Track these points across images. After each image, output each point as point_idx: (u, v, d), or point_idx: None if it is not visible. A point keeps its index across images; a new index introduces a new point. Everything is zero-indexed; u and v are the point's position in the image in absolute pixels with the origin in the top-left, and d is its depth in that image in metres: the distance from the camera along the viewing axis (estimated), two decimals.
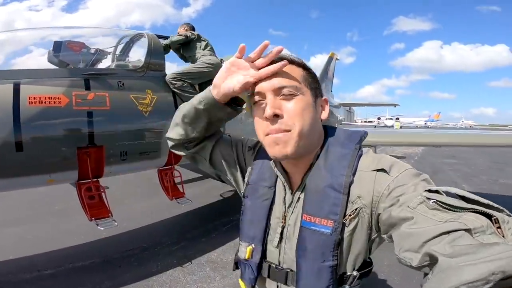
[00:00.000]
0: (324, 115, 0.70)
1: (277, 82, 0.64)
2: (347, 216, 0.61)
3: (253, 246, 0.72)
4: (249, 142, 0.85)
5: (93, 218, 2.31)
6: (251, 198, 0.76)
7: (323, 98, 0.71)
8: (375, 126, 38.57)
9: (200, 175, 6.05)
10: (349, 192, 0.62)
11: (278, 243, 0.70)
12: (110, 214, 2.39)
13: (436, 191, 0.48)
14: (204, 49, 3.06)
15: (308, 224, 0.63)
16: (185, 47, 3.18)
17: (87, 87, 2.19)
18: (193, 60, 3.08)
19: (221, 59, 3.71)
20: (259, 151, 0.81)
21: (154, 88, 2.68)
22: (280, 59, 0.65)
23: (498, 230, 0.38)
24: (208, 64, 2.95)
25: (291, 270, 0.68)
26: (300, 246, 0.65)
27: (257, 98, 0.67)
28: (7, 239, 3.15)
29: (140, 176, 5.44)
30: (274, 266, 0.71)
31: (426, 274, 0.42)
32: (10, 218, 3.73)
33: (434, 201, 0.46)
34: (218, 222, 3.80)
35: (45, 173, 2.04)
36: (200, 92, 2.78)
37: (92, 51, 2.54)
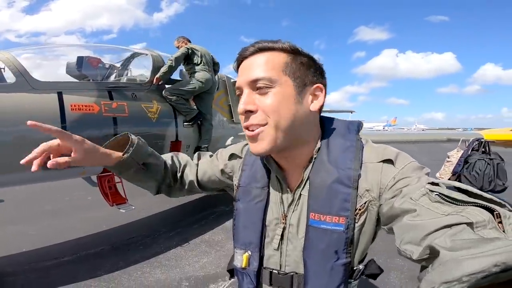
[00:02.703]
0: (315, 106, 0.61)
1: (250, 75, 0.58)
2: (357, 211, 0.59)
3: (249, 253, 0.68)
4: (231, 149, 0.82)
5: (114, 204, 2.79)
6: (243, 201, 0.71)
7: (316, 85, 0.61)
8: None
9: None
10: (357, 186, 0.59)
11: (278, 245, 0.66)
12: (126, 200, 2.89)
13: (439, 184, 0.48)
14: (199, 64, 3.56)
15: (316, 223, 0.60)
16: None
17: (111, 98, 2.71)
18: (189, 72, 3.60)
19: (226, 77, 4.31)
20: (247, 151, 0.77)
21: (158, 99, 3.26)
22: (260, 49, 0.59)
23: (499, 225, 0.37)
24: (199, 80, 3.52)
25: (296, 273, 0.64)
26: (309, 246, 0.61)
27: (238, 92, 0.62)
28: (13, 235, 3.37)
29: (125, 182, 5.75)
30: (276, 272, 0.66)
31: (424, 267, 0.41)
32: (7, 218, 3.87)
33: (437, 194, 0.45)
34: (205, 213, 4.40)
35: (80, 166, 2.50)
36: (193, 104, 3.52)
37: (107, 66, 3.03)
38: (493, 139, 4.34)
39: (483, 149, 3.71)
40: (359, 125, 0.67)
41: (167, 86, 3.41)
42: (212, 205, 4.78)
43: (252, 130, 0.59)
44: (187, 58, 3.55)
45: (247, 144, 0.78)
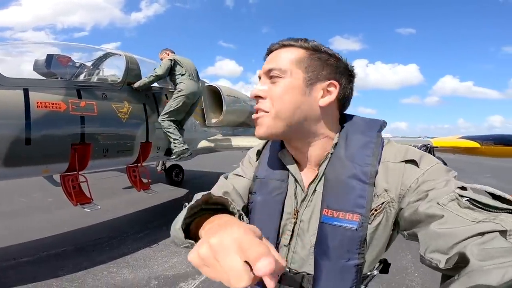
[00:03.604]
0: (324, 101, 0.61)
1: (267, 65, 0.63)
2: (372, 211, 0.56)
3: None
4: (256, 148, 0.80)
5: (78, 203, 2.75)
6: (262, 193, 0.68)
7: (330, 81, 0.62)
8: None
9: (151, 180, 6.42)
10: (374, 183, 0.56)
11: (289, 241, 0.64)
12: (91, 200, 2.86)
13: (469, 189, 0.45)
14: (183, 74, 3.60)
15: (329, 220, 0.57)
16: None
17: (79, 97, 2.70)
18: (174, 83, 3.65)
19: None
20: (267, 145, 0.77)
21: (130, 100, 3.28)
22: (282, 45, 0.64)
23: None
24: (184, 95, 3.54)
25: (308, 274, 0.61)
26: (320, 244, 0.58)
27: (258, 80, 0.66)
28: None
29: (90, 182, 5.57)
30: (287, 269, 0.63)
31: (447, 277, 0.39)
32: None
33: (467, 199, 0.43)
34: (175, 216, 4.33)
35: (43, 164, 2.46)
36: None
37: (77, 65, 3.01)
38: (442, 145, 4.86)
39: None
40: (382, 124, 0.65)
41: (161, 114, 3.51)
42: (181, 210, 4.79)
43: (257, 115, 0.63)
44: (171, 69, 3.61)
45: (267, 142, 0.78)
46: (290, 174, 0.68)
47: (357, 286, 0.57)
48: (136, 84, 3.31)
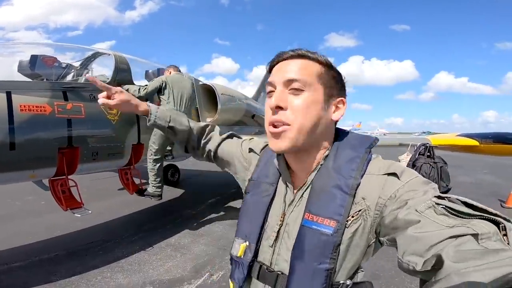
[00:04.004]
0: (337, 116, 0.67)
1: (288, 74, 0.63)
2: (349, 217, 0.60)
3: (247, 244, 0.70)
4: (252, 143, 0.87)
5: (68, 208, 2.68)
6: (252, 193, 0.75)
7: (340, 98, 0.67)
8: None
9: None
10: (355, 194, 0.60)
11: (273, 242, 0.67)
12: (82, 204, 2.79)
13: (445, 198, 0.49)
14: (168, 103, 3.50)
15: (309, 223, 0.62)
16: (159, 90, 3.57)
17: (66, 98, 2.61)
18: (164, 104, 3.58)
19: (194, 79, 4.17)
20: (265, 149, 0.82)
21: None
22: (298, 55, 0.65)
23: (504, 237, 0.38)
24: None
25: (282, 273, 0.64)
26: (298, 245, 0.62)
27: (269, 88, 0.66)
28: None
29: (82, 185, 5.48)
30: (265, 267, 0.68)
31: (423, 282, 0.42)
32: None
33: (443, 207, 0.46)
34: (171, 217, 4.34)
35: (30, 169, 2.38)
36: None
37: (63, 65, 2.91)
38: (439, 143, 4.78)
39: (428, 154, 4.06)
40: (373, 141, 0.68)
41: (148, 151, 3.52)
42: (178, 209, 4.73)
43: (276, 127, 0.63)
44: (160, 90, 3.54)
45: (267, 145, 0.80)
46: (282, 179, 0.72)
47: None
48: (125, 87, 3.25)
